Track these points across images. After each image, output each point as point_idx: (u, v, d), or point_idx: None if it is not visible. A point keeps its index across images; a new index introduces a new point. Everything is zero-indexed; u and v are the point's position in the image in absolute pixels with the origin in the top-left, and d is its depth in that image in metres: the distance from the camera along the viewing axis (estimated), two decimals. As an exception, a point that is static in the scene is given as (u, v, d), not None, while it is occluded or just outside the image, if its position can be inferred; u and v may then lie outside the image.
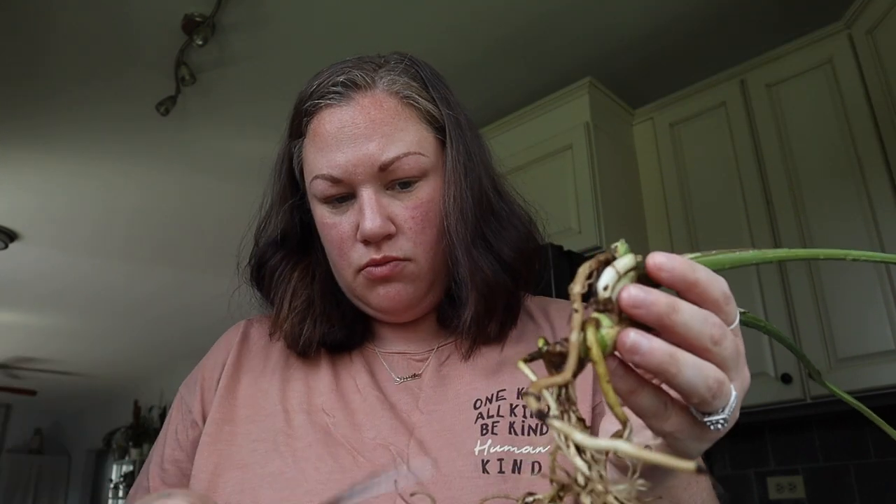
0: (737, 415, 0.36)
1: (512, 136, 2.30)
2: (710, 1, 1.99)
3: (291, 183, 0.72)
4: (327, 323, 0.69)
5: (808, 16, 2.01)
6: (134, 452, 6.11)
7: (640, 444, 0.36)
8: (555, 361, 0.32)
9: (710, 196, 2.08)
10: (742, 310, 0.38)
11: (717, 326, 0.33)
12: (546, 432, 0.61)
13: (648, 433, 0.37)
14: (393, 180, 0.63)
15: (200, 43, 1.99)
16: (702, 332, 0.32)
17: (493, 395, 0.64)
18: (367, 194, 0.63)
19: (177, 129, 2.54)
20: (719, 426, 0.34)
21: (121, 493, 6.19)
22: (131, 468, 6.13)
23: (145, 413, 6.31)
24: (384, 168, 0.62)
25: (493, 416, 0.62)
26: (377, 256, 0.63)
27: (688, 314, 0.32)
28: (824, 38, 1.92)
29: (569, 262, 1.85)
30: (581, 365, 0.30)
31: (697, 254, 0.37)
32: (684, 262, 0.33)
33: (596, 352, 0.30)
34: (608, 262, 0.32)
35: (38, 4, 1.92)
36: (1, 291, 4.19)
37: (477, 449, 0.60)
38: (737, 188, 2.02)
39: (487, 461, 0.59)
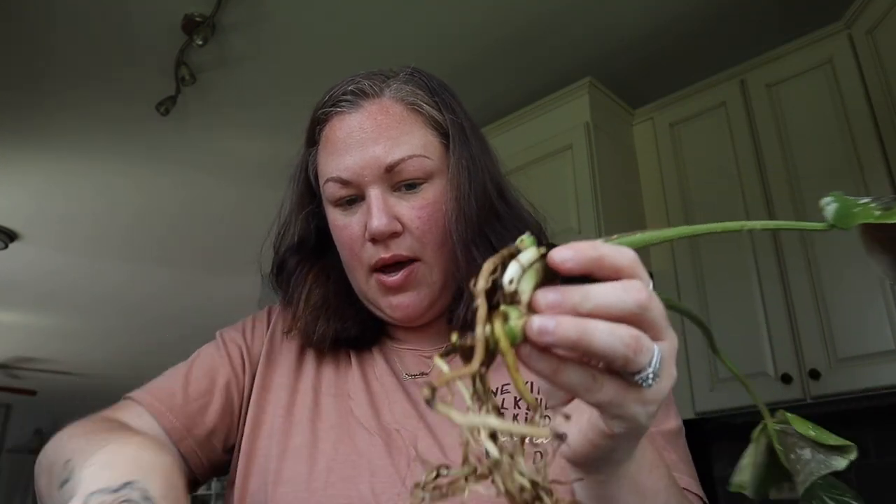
0: (673, 372, 0.36)
1: (512, 136, 2.30)
2: (710, 1, 1.99)
3: (308, 190, 0.76)
4: (341, 320, 0.72)
5: (808, 16, 2.01)
6: (134, 452, 6.10)
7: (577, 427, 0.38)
8: (467, 355, 0.32)
9: (710, 196, 2.08)
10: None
11: (640, 290, 0.33)
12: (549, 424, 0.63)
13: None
14: (399, 182, 0.67)
15: (200, 43, 1.99)
16: (623, 301, 0.33)
17: (497, 389, 0.67)
18: (374, 194, 0.66)
19: (177, 129, 2.54)
20: (650, 381, 0.34)
21: (121, 493, 6.19)
22: (131, 468, 6.12)
23: (145, 413, 6.31)
24: (390, 169, 0.66)
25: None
26: (386, 255, 0.66)
27: (601, 295, 0.33)
28: (824, 38, 1.92)
29: (569, 262, 1.85)
30: (492, 356, 0.31)
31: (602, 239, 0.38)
32: (584, 244, 0.34)
33: (504, 343, 0.31)
34: (513, 256, 0.33)
35: (39, 5, 1.92)
36: (1, 291, 4.19)
37: None
38: (737, 188, 2.02)
39: None
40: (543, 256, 0.34)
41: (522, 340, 0.32)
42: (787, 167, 1.92)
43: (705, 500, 0.63)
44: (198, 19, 1.97)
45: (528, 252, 0.33)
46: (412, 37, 2.11)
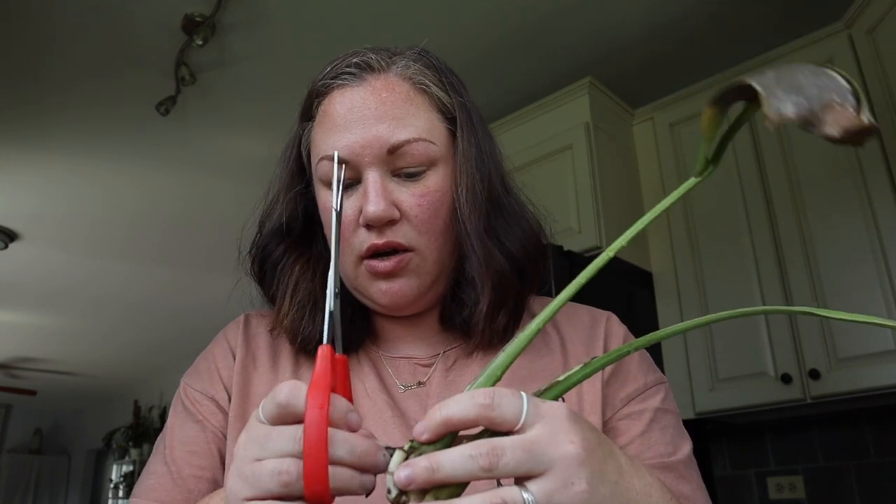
0: (569, 481, 0.38)
1: (512, 136, 2.30)
2: (710, 1, 1.99)
3: (299, 168, 0.70)
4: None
5: (808, 16, 2.00)
6: (134, 452, 6.11)
7: None
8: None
9: (710, 197, 2.08)
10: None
11: (485, 456, 0.37)
12: None
13: None
14: (400, 167, 0.62)
15: (200, 43, 1.99)
16: (470, 471, 0.36)
17: None
18: (372, 177, 0.61)
19: (177, 129, 2.54)
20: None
21: (121, 493, 6.18)
22: (131, 468, 6.13)
23: (145, 413, 6.31)
24: (393, 151, 0.61)
25: None
26: (379, 241, 0.61)
27: (448, 467, 0.37)
28: (824, 38, 1.92)
29: (569, 262, 1.85)
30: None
31: (478, 379, 0.42)
32: (433, 417, 0.38)
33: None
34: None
35: (39, 5, 1.92)
36: (1, 291, 4.19)
37: None
38: (737, 188, 2.02)
39: None
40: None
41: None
42: (787, 167, 1.92)
43: None
44: (198, 19, 1.97)
45: (396, 456, 0.41)
46: (412, 37, 2.09)
